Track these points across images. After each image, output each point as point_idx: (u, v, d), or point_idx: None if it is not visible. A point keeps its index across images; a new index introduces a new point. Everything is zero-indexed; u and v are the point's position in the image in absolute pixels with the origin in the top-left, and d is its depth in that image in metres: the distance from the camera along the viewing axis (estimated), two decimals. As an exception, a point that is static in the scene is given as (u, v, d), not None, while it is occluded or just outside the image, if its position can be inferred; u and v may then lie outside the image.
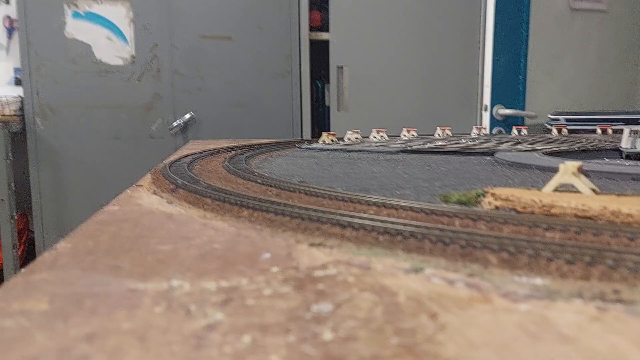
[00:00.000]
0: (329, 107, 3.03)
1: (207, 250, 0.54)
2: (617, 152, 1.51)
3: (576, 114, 1.84)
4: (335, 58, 2.95)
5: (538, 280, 0.45)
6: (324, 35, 2.96)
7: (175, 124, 2.80)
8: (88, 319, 0.36)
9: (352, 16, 2.98)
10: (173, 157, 1.32)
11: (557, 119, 1.96)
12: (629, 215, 0.63)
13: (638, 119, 1.72)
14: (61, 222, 2.75)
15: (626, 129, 1.48)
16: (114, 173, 2.74)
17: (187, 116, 2.81)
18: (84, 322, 0.36)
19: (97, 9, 2.69)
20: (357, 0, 2.99)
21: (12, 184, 2.56)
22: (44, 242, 2.75)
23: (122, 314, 0.37)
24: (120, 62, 2.72)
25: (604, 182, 0.95)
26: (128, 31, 2.72)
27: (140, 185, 0.96)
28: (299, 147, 1.67)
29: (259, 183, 0.91)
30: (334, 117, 3.00)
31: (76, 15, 2.66)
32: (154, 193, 0.88)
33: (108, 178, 2.74)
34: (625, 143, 1.47)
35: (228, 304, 0.39)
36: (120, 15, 2.72)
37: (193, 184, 0.88)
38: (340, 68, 2.96)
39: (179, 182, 0.91)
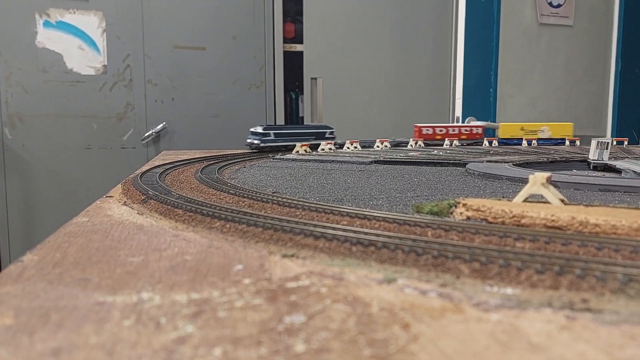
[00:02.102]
0: (302, 118, 3.04)
1: (178, 261, 0.54)
2: (584, 163, 1.54)
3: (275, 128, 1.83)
4: (309, 69, 2.96)
5: (509, 290, 0.46)
6: (298, 47, 2.97)
7: (147, 134, 2.77)
8: (54, 334, 0.36)
9: (326, 28, 3.00)
10: (145, 168, 1.30)
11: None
12: (597, 225, 0.64)
13: (324, 132, 1.95)
14: (28, 234, 2.69)
15: (594, 141, 1.52)
16: (84, 184, 2.70)
17: (160, 126, 2.78)
18: (50, 336, 0.35)
19: (69, 18, 2.66)
20: (331, 13, 3.01)
21: (-22, 195, 2.49)
22: (9, 254, 2.68)
23: (90, 328, 0.36)
24: (92, 72, 2.69)
25: (572, 193, 0.97)
26: (100, 41, 2.69)
27: (111, 196, 0.94)
28: (272, 158, 1.67)
29: (232, 194, 0.90)
30: (308, 128, 3.02)
31: (47, 24, 2.62)
32: (125, 204, 0.87)
33: (78, 189, 2.69)
34: (592, 154, 1.51)
35: (199, 317, 0.39)
36: (92, 25, 2.69)
37: (164, 195, 0.87)
38: (314, 79, 2.97)
39: (150, 192, 0.90)
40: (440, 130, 2.06)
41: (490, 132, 3.01)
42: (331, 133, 2.00)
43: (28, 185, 2.66)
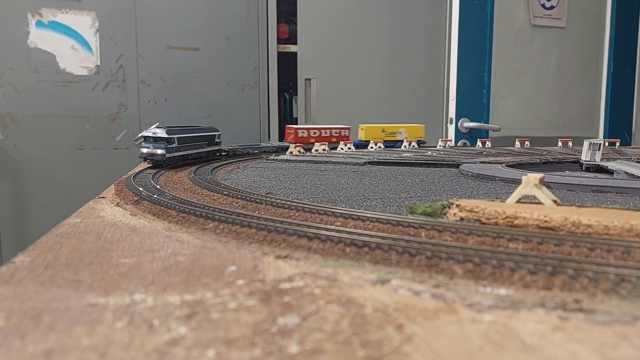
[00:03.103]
0: (296, 119, 3.04)
1: (171, 263, 0.53)
2: (577, 164, 1.55)
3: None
4: (303, 70, 2.96)
5: (502, 291, 0.46)
6: (292, 48, 2.97)
7: (140, 134, 2.76)
8: (46, 335, 0.35)
9: (321, 29, 3.00)
10: (138, 169, 1.30)
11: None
12: (589, 226, 0.65)
13: (213, 135, 1.57)
14: (20, 235, 2.67)
15: (586, 142, 1.53)
16: (77, 184, 2.68)
17: (153, 127, 2.77)
18: (42, 338, 0.35)
19: (61, 18, 2.64)
20: (325, 13, 3.01)
21: (-31, 196, 2.47)
22: (1, 255, 2.66)
23: (82, 330, 0.36)
24: (84, 72, 2.67)
25: (565, 194, 0.97)
26: (93, 41, 2.68)
27: (104, 197, 0.94)
28: (266, 159, 1.67)
29: (225, 195, 0.90)
30: (302, 129, 3.01)
31: (40, 24, 2.60)
32: (118, 205, 0.86)
33: (70, 189, 2.68)
34: (585, 156, 1.52)
35: (192, 318, 0.39)
36: (85, 25, 2.67)
37: (158, 196, 0.87)
38: (308, 80, 2.97)
39: (143, 193, 0.90)
40: (314, 133, 1.99)
41: (484, 134, 3.02)
42: (219, 137, 1.63)
43: (20, 186, 2.65)
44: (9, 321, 0.38)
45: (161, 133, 1.29)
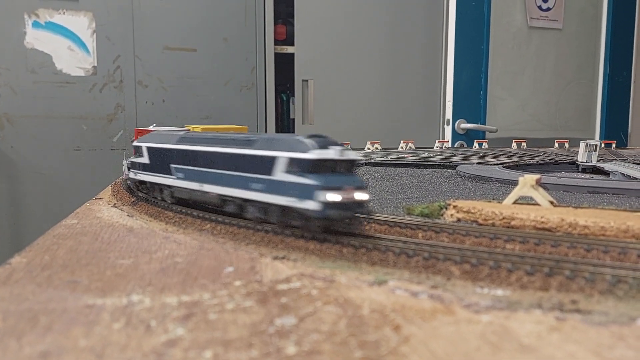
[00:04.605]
0: (293, 120, 3.04)
1: (168, 264, 0.53)
2: (573, 165, 1.55)
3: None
4: (300, 71, 2.96)
5: (499, 291, 0.46)
6: (289, 49, 2.97)
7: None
8: (43, 337, 0.35)
9: (318, 31, 3.00)
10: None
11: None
12: (586, 227, 0.65)
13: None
14: (16, 236, 2.66)
15: (582, 143, 1.53)
16: (74, 185, 2.68)
17: (151, 128, 2.77)
18: (39, 340, 0.35)
19: (58, 19, 2.64)
20: (322, 15, 3.01)
21: (-35, 197, 2.47)
22: (-2, 257, 2.65)
23: (79, 331, 0.36)
24: (81, 73, 2.67)
25: (562, 195, 0.98)
26: (90, 42, 2.67)
27: (100, 198, 0.94)
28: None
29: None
30: (299, 129, 3.01)
31: (36, 25, 2.60)
32: (114, 206, 0.86)
33: (67, 190, 2.67)
34: (581, 157, 1.52)
35: (189, 319, 0.39)
36: (82, 26, 2.67)
37: (154, 197, 0.86)
38: (305, 81, 2.97)
39: (140, 194, 0.90)
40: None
41: (481, 135, 3.02)
42: None
43: (16, 187, 2.64)
44: (6, 322, 0.38)
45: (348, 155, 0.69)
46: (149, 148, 0.88)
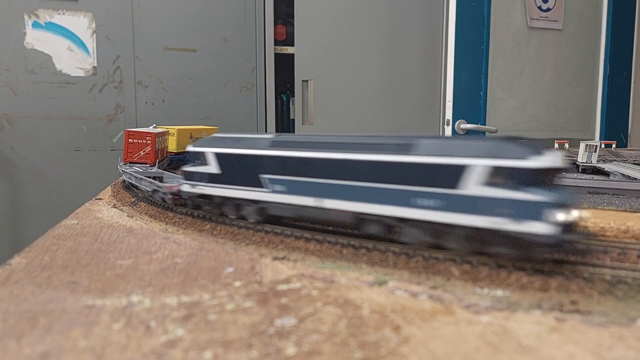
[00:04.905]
0: (293, 120, 3.04)
1: (168, 264, 0.53)
2: (573, 166, 1.55)
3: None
4: (300, 72, 2.96)
5: (499, 292, 0.46)
6: (289, 49, 2.97)
7: (137, 136, 2.75)
8: (42, 338, 0.35)
9: (317, 31, 3.00)
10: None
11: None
12: (585, 227, 0.65)
13: None
14: (16, 237, 2.66)
15: (582, 144, 1.53)
16: (73, 186, 2.68)
17: (151, 128, 2.77)
18: (38, 340, 0.35)
19: (58, 19, 2.64)
20: (322, 15, 3.01)
21: (-35, 197, 2.47)
22: (-2, 257, 2.65)
23: (79, 332, 0.36)
24: (81, 73, 2.67)
25: (562, 196, 0.97)
26: (90, 42, 2.68)
27: (100, 199, 0.94)
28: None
29: (223, 196, 0.90)
30: (299, 130, 3.01)
31: (36, 25, 2.60)
32: (114, 206, 0.86)
33: (67, 191, 2.67)
34: (581, 157, 1.52)
35: (189, 320, 0.38)
36: (82, 26, 2.67)
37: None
38: (305, 82, 2.97)
39: (140, 195, 0.90)
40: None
41: (479, 135, 3.02)
42: None
43: (16, 188, 2.64)
44: (5, 323, 0.38)
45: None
46: (219, 155, 0.74)
